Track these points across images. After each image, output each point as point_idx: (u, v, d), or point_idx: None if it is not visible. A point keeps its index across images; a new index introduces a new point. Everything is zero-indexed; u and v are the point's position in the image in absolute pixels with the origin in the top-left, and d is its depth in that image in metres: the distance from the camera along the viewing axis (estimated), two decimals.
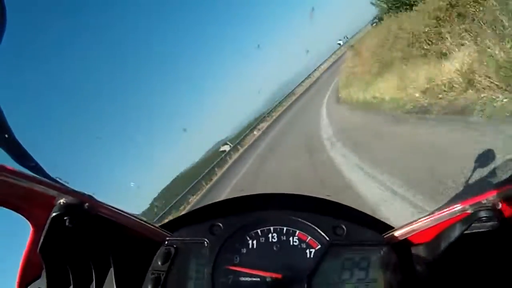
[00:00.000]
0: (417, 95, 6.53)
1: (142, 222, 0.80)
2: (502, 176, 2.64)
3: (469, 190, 2.68)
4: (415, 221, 0.76)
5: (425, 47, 7.36)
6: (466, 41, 5.52)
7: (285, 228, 0.83)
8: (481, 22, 5.25)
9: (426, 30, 7.28)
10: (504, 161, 2.89)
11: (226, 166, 16.70)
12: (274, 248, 0.81)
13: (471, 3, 5.96)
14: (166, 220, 0.95)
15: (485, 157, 3.10)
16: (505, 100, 4.06)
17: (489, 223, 0.62)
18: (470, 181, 2.83)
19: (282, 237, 0.82)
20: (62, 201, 0.63)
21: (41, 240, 0.63)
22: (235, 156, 17.87)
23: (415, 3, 9.10)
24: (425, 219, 0.74)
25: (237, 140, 18.88)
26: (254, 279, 0.78)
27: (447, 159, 3.73)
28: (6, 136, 0.57)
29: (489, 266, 0.65)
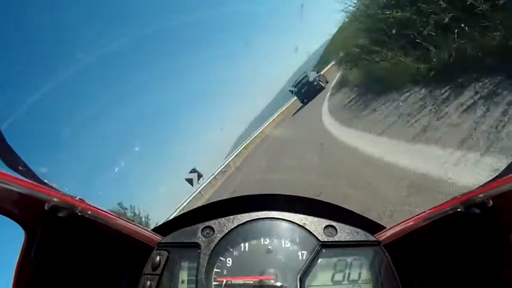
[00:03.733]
0: None
1: (134, 225, 0.80)
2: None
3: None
4: (407, 220, 0.76)
5: None
6: None
7: (276, 230, 0.83)
8: None
9: None
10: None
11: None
12: (266, 250, 0.81)
13: None
14: (158, 223, 0.95)
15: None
16: None
17: (480, 221, 0.62)
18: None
19: (274, 238, 0.83)
20: (54, 205, 0.62)
21: (35, 245, 0.63)
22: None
23: None
24: (416, 219, 0.74)
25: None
26: (246, 281, 0.78)
27: None
28: None
29: (481, 264, 0.65)
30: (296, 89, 18.71)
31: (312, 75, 18.54)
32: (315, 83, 18.01)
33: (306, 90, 18.06)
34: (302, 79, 18.60)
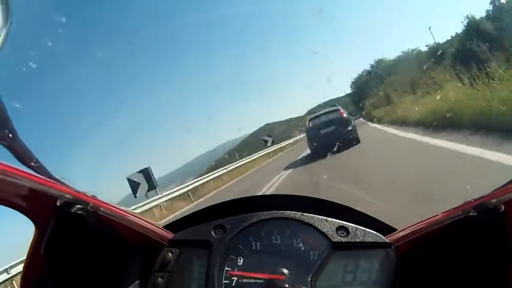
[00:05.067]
0: None
1: (145, 222, 0.81)
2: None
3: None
4: (418, 223, 0.76)
5: None
6: None
7: (288, 230, 0.83)
8: None
9: None
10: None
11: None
12: (278, 250, 0.81)
13: None
14: (170, 221, 0.95)
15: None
16: None
17: (492, 226, 0.61)
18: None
19: (285, 238, 0.82)
20: (66, 201, 0.63)
21: (45, 240, 0.63)
22: None
23: None
24: (428, 222, 0.73)
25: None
26: (257, 280, 0.77)
27: None
28: (10, 135, 0.57)
29: (491, 269, 0.65)
30: (310, 125, 10.80)
31: (345, 114, 10.68)
32: (350, 128, 10.14)
33: (329, 134, 10.04)
34: (328, 113, 10.88)
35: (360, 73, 38.52)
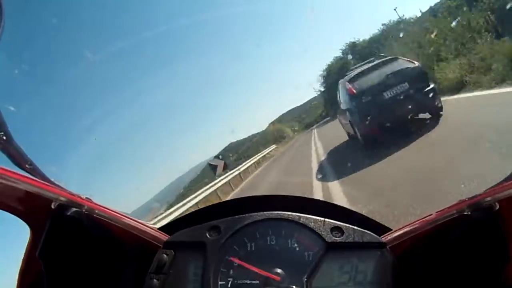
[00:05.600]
0: None
1: (140, 224, 0.80)
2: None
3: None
4: (413, 222, 0.76)
5: None
6: None
7: (283, 230, 0.83)
8: None
9: None
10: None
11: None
12: (273, 250, 0.81)
13: None
14: (165, 222, 0.95)
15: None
16: None
17: (486, 224, 0.62)
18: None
19: (280, 239, 0.82)
20: (60, 203, 0.62)
21: (40, 243, 0.63)
22: None
23: None
24: (423, 221, 0.74)
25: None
26: (253, 281, 0.77)
27: None
28: (4, 137, 0.57)
29: (487, 267, 0.65)
30: (357, 87, 6.09)
31: (417, 62, 6.13)
32: (432, 85, 5.70)
33: (400, 99, 5.50)
34: (387, 63, 6.29)
35: (330, 62, 33.10)
